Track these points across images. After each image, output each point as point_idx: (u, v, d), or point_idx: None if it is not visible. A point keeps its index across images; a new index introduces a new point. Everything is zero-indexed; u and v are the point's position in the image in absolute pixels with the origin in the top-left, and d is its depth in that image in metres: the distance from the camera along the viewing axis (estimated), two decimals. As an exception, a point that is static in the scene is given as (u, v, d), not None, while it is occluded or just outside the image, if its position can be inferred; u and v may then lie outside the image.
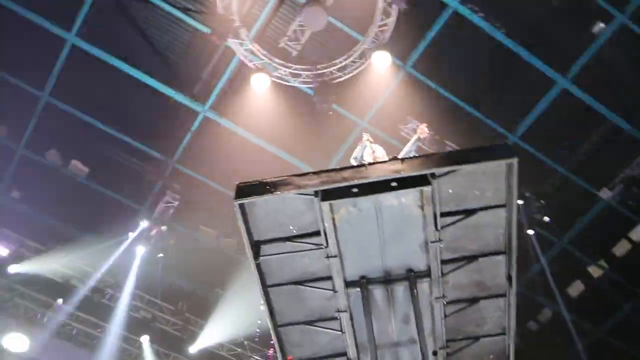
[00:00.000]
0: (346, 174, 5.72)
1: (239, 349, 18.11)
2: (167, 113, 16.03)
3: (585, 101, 15.76)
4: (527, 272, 17.92)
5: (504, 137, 16.45)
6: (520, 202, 15.99)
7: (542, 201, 16.69)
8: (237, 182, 5.75)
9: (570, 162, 17.10)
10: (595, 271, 18.95)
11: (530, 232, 16.97)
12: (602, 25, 14.74)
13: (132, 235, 16.51)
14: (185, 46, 15.53)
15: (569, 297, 19.00)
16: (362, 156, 8.47)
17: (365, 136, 8.75)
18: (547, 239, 17.88)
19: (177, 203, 16.41)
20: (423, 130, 8.97)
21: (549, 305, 19.24)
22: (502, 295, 6.93)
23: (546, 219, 16.73)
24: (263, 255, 6.02)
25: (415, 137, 8.93)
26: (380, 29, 14.42)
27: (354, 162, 8.37)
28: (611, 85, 15.85)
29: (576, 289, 19.04)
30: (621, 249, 18.46)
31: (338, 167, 6.01)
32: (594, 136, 16.92)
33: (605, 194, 16.76)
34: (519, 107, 16.26)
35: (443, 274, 6.50)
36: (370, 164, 5.91)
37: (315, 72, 14.65)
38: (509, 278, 6.73)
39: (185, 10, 14.64)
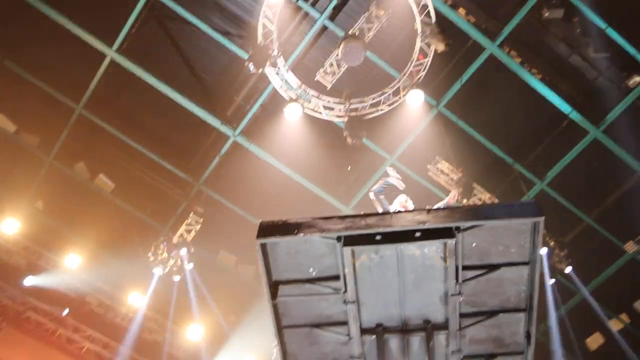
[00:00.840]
0: (370, 220, 5.70)
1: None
2: (198, 135, 16.21)
3: (615, 152, 15.63)
4: (546, 322, 17.68)
5: (533, 183, 16.36)
6: (543, 250, 15.87)
7: (565, 250, 16.46)
8: (260, 220, 5.76)
9: (597, 212, 16.94)
10: (615, 325, 18.64)
11: (552, 280, 16.78)
12: (637, 79, 14.67)
13: (151, 255, 16.40)
14: (222, 69, 15.73)
15: (587, 350, 18.72)
16: (383, 196, 8.30)
17: (391, 171, 8.61)
18: (568, 289, 17.65)
19: (199, 226, 16.34)
20: (454, 197, 8.90)
21: (568, 357, 18.90)
22: (520, 353, 6.81)
23: (569, 268, 16.49)
24: (281, 296, 6.00)
25: (444, 201, 8.81)
26: (416, 68, 14.47)
27: (371, 196, 8.23)
28: (642, 138, 15.73)
29: (595, 341, 18.71)
30: (643, 304, 18.16)
31: (361, 211, 5.98)
32: (623, 188, 16.76)
33: (630, 247, 16.48)
34: (550, 154, 16.15)
35: (461, 328, 6.41)
36: (395, 212, 5.88)
37: (348, 106, 14.69)
38: (528, 335, 6.62)
39: (225, 34, 14.83)
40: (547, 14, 14.48)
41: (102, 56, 14.89)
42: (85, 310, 17.25)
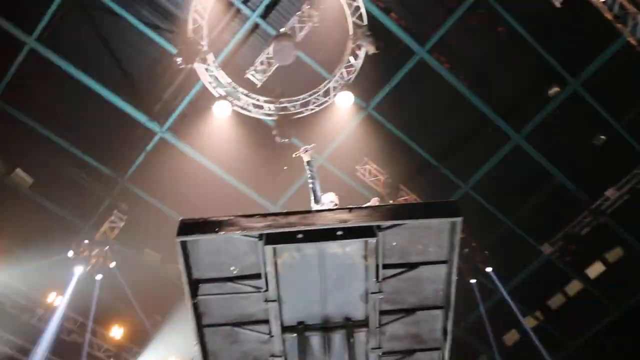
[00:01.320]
0: (293, 219, 5.68)
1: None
2: (123, 130, 15.75)
3: (535, 158, 16.28)
4: (466, 319, 18.23)
5: (457, 186, 16.81)
6: (465, 250, 16.37)
7: (486, 252, 17.03)
8: (181, 218, 5.66)
9: (516, 215, 17.60)
10: (530, 322, 19.43)
11: (473, 280, 17.32)
12: (557, 89, 15.30)
13: (71, 254, 15.80)
14: (150, 64, 15.34)
15: (504, 346, 19.41)
16: (318, 182, 8.10)
17: (301, 152, 8.30)
18: (488, 288, 18.24)
19: (123, 223, 15.96)
20: (375, 202, 8.90)
21: (486, 352, 19.55)
22: (437, 349, 6.96)
23: (489, 269, 17.07)
24: (201, 295, 5.89)
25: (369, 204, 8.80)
26: (347, 69, 14.59)
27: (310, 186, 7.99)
28: (561, 145, 16.41)
29: (511, 338, 19.44)
30: (556, 302, 19.07)
31: (286, 209, 5.97)
32: (541, 192, 17.48)
33: (546, 248, 17.17)
34: (474, 158, 16.65)
35: (380, 325, 6.48)
36: (317, 211, 5.89)
37: (278, 105, 14.67)
38: (445, 332, 6.78)
39: (155, 28, 14.52)
40: (474, 23, 14.96)
41: (21, 44, 14.29)
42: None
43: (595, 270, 18.45)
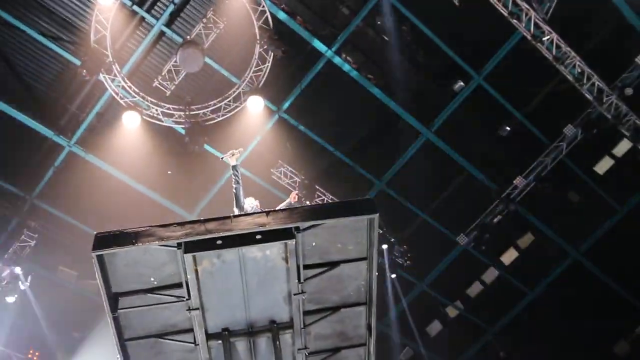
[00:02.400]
0: (210, 225, 5.68)
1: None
2: (30, 146, 15.15)
3: (446, 152, 16.79)
4: (389, 314, 18.61)
5: (372, 182, 17.14)
6: (384, 246, 16.71)
7: (404, 246, 17.42)
8: (96, 232, 5.55)
9: (431, 208, 18.12)
10: (452, 312, 20.05)
11: (393, 275, 17.69)
12: (461, 83, 15.88)
13: (-21, 277, 15.13)
14: (54, 77, 14.89)
15: (428, 337, 19.96)
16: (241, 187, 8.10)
17: (226, 158, 8.38)
18: (408, 282, 18.70)
19: (34, 242, 15.27)
20: (294, 197, 9.00)
21: (410, 345, 20.02)
22: (363, 345, 7.11)
23: (407, 262, 17.46)
24: (121, 308, 5.81)
25: (287, 201, 8.90)
26: (256, 73, 14.60)
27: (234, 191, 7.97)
28: (468, 138, 17.03)
29: (434, 328, 20.00)
30: (475, 290, 19.73)
31: (202, 217, 5.94)
32: (453, 185, 18.09)
33: (462, 239, 17.75)
34: (387, 154, 17.02)
35: (305, 325, 6.57)
36: (235, 216, 5.89)
37: (188, 113, 14.49)
38: (369, 328, 6.92)
39: (56, 40, 14.07)
40: (379, 22, 15.34)
41: None
42: None
43: (509, 256, 19.21)
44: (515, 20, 13.96)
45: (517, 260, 19.18)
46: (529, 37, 14.16)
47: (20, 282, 15.32)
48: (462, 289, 19.89)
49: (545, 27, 14.07)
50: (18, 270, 15.28)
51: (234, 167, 8.06)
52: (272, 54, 14.16)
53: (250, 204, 8.02)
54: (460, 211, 17.96)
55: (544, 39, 14.15)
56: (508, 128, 16.78)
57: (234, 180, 7.96)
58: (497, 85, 16.16)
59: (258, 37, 14.03)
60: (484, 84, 16.01)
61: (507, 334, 20.22)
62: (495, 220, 17.46)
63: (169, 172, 15.84)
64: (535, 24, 14.01)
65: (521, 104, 16.70)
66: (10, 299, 15.33)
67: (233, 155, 8.23)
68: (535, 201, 17.57)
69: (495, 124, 16.89)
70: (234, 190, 7.89)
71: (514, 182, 16.92)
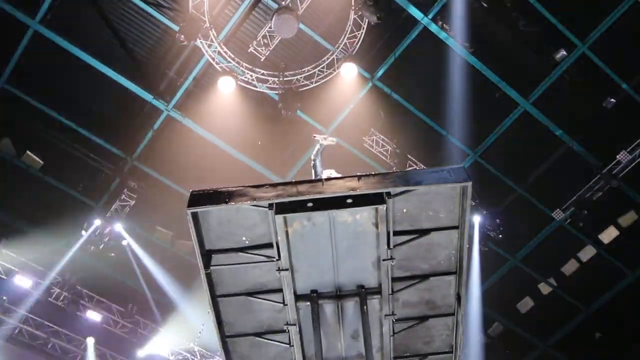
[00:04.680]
0: (302, 188, 5.69)
1: (188, 355, 17.87)
2: (130, 109, 15.79)
3: (544, 124, 16.12)
4: (480, 287, 18.26)
5: (466, 154, 16.75)
6: (476, 217, 16.34)
7: (498, 219, 16.98)
8: (191, 190, 5.68)
9: (527, 182, 17.51)
10: (544, 289, 19.44)
11: (485, 248, 17.32)
12: (564, 52, 15.10)
13: (84, 233, 16.02)
14: (154, 43, 15.34)
15: (518, 313, 19.49)
16: (319, 162, 8.23)
17: (318, 136, 8.57)
18: (500, 256, 18.26)
19: (133, 202, 16.05)
20: (324, 138, 8.80)
21: (500, 320, 19.65)
22: (451, 314, 7.00)
23: (500, 236, 17.04)
24: (214, 265, 5.96)
25: (317, 147, 8.78)
26: (350, 40, 14.49)
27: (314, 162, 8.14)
28: (569, 111, 16.26)
29: (525, 305, 19.51)
30: (570, 268, 19.03)
31: (295, 180, 5.97)
32: (551, 158, 17.36)
33: (558, 215, 17.13)
34: (481, 125, 16.53)
35: (393, 292, 6.52)
36: (327, 179, 5.88)
37: (282, 79, 14.60)
38: (458, 298, 6.79)
39: (156, 6, 14.46)
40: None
41: (25, 28, 14.26)
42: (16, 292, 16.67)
43: (608, 235, 18.32)
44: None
45: (617, 239, 18.22)
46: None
47: (122, 240, 16.19)
48: (556, 266, 19.19)
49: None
50: (119, 227, 16.13)
51: (321, 146, 8.19)
52: (367, 20, 13.98)
53: (330, 174, 8.05)
54: (557, 186, 17.26)
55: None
56: (613, 100, 15.82)
57: (315, 153, 8.04)
58: (602, 54, 15.24)
59: (353, 3, 13.88)
60: (588, 52, 15.12)
61: (604, 315, 19.42)
62: (595, 196, 16.73)
63: (259, 143, 16.04)
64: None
65: (628, 75, 15.70)
66: (111, 255, 16.24)
67: (325, 139, 8.35)
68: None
69: (599, 95, 16.00)
70: (312, 163, 7.98)
71: (617, 156, 16.07)
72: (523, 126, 16.37)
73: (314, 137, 8.56)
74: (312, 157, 8.08)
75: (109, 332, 17.45)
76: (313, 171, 7.87)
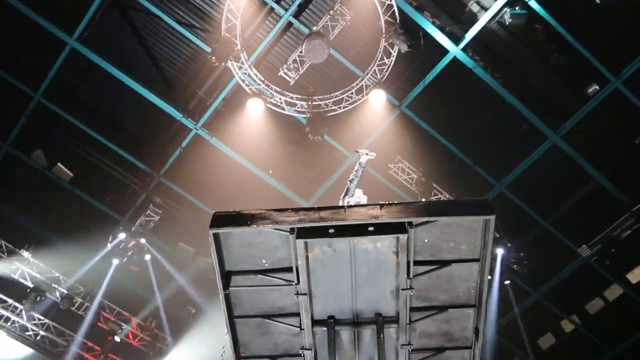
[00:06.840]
0: (324, 214, 5.71)
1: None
2: (159, 126, 16.07)
3: (573, 158, 15.93)
4: (500, 320, 18.01)
5: (492, 185, 16.60)
6: (499, 250, 16.15)
7: (522, 253, 16.76)
8: (214, 211, 5.75)
9: (554, 216, 17.27)
10: (567, 326, 19.07)
11: (507, 281, 17.09)
12: (596, 87, 14.96)
13: (109, 246, 16.25)
14: (185, 62, 15.67)
15: (539, 349, 19.12)
16: (358, 180, 8.28)
17: (361, 150, 8.70)
18: (523, 290, 17.99)
19: (158, 217, 16.24)
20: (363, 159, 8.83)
21: (520, 355, 19.29)
22: (468, 347, 6.92)
23: (524, 270, 16.81)
24: (233, 286, 6.00)
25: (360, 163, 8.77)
26: (380, 67, 14.57)
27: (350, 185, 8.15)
28: (600, 146, 16.06)
29: (547, 341, 19.14)
30: (595, 306, 18.62)
31: (317, 205, 6.00)
32: (579, 193, 17.12)
33: (584, 251, 16.84)
34: (508, 157, 16.41)
35: (411, 322, 6.48)
36: (349, 206, 5.89)
37: (310, 103, 14.71)
38: (476, 331, 6.72)
39: (189, 27, 14.76)
40: (510, 20, 14.72)
41: (63, 45, 14.60)
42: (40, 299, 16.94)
43: (637, 275, 17.91)
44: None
45: (646, 280, 17.90)
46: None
47: (145, 254, 16.39)
48: (580, 304, 18.82)
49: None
50: (143, 241, 16.33)
51: (361, 164, 8.34)
52: (397, 48, 14.05)
53: (359, 196, 8.07)
54: (584, 222, 16.98)
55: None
56: (645, 137, 15.64)
57: (354, 173, 8.10)
58: (636, 90, 15.07)
59: (384, 31, 13.97)
60: (622, 88, 14.97)
61: (629, 358, 18.93)
62: (624, 235, 16.42)
63: (270, 172, 16.13)
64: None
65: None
66: (134, 269, 16.42)
67: (367, 155, 8.55)
68: (672, 218, 16.31)
69: (632, 131, 15.79)
70: (349, 182, 7.99)
71: (649, 195, 15.82)
72: (551, 159, 16.17)
73: (356, 151, 8.72)
74: (354, 173, 8.15)
75: (127, 345, 17.57)
76: (348, 187, 7.87)
